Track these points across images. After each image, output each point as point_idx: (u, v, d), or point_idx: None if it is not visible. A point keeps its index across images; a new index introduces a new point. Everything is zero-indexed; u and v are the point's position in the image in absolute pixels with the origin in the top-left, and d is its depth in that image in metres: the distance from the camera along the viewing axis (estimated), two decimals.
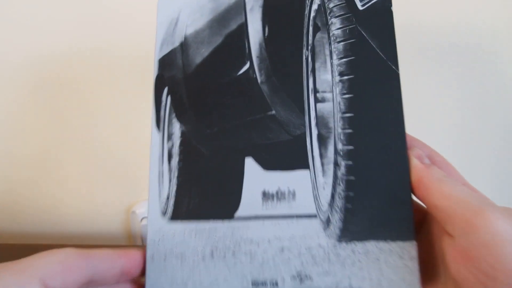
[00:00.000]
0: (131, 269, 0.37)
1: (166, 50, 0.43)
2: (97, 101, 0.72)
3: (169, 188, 0.41)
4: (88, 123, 0.72)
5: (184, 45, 0.42)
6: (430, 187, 0.33)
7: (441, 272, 0.34)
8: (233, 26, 0.41)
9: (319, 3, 0.39)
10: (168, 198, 0.41)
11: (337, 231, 0.35)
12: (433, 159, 0.37)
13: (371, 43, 0.37)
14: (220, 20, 0.42)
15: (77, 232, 0.79)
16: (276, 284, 0.36)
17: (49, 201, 0.77)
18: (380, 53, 0.37)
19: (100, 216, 0.77)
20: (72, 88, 0.72)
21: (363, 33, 0.38)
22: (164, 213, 0.40)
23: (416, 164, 0.35)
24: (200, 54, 0.42)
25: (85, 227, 0.78)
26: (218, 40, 0.42)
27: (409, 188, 0.34)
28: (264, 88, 0.40)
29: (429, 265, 0.35)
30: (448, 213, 0.31)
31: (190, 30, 0.42)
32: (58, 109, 0.72)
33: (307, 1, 0.40)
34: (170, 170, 0.41)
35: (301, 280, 0.35)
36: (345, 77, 0.37)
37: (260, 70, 0.40)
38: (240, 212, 0.38)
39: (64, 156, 0.74)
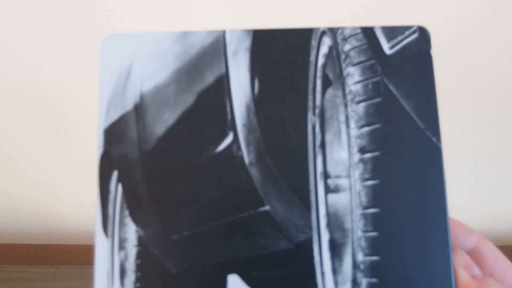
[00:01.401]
0: None
1: (114, 116, 0.32)
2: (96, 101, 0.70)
3: None
4: (88, 122, 0.72)
5: (139, 109, 0.32)
6: None
7: None
8: (209, 79, 0.32)
9: (330, 44, 0.30)
10: None
11: None
12: (480, 254, 0.31)
13: (403, 103, 0.30)
14: (190, 70, 0.32)
15: (77, 232, 0.81)
16: None
17: (49, 200, 0.79)
18: (416, 119, 0.30)
19: None
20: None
21: (392, 89, 0.30)
22: None
23: (464, 280, 0.29)
24: (162, 122, 0.32)
25: (85, 226, 0.79)
26: (188, 100, 0.32)
27: None
28: (254, 172, 0.31)
29: None
30: None
31: (148, 86, 0.31)
32: (58, 108, 0.73)
33: (313, 42, 0.30)
34: None
35: None
36: (368, 155, 0.30)
37: (248, 145, 0.31)
38: None
39: (64, 156, 0.76)
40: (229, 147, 0.31)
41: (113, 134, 0.32)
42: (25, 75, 0.71)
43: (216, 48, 0.32)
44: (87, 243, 0.77)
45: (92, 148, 0.75)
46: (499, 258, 0.32)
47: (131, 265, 0.31)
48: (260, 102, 0.31)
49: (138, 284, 0.31)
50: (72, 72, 0.70)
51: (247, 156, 0.31)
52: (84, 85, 0.69)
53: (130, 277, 0.31)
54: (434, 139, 0.30)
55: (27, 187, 0.78)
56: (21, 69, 0.70)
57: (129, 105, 0.32)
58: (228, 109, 0.31)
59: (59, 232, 0.81)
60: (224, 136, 0.31)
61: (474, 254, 0.31)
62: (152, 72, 0.32)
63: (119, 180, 0.32)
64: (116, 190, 0.32)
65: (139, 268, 0.31)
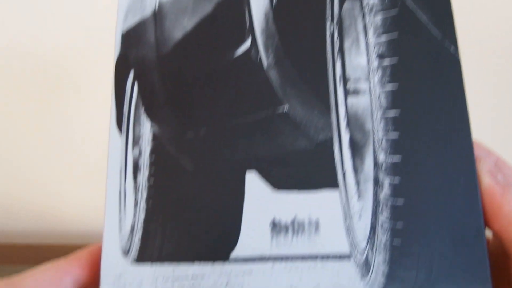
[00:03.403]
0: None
1: (132, 21, 0.33)
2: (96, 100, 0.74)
3: (134, 215, 0.31)
4: (89, 122, 0.74)
5: (158, 15, 0.34)
6: None
7: None
8: None
9: None
10: (132, 230, 0.31)
11: (381, 279, 0.29)
12: (503, 173, 0.31)
13: (420, 15, 0.32)
14: None
15: (77, 231, 0.81)
16: None
17: (49, 200, 0.79)
18: (433, 30, 0.31)
19: (100, 215, 0.78)
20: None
21: (409, 1, 0.32)
22: (126, 252, 0.31)
23: (489, 185, 0.29)
24: (181, 27, 0.33)
25: (85, 226, 0.80)
26: (207, 8, 0.33)
27: (482, 218, 0.29)
28: (273, 74, 0.32)
29: None
30: None
31: None
32: (57, 107, 0.75)
33: None
34: (136, 188, 0.31)
35: None
36: (387, 61, 0.31)
37: (266, 50, 0.32)
38: (238, 251, 0.30)
39: (65, 155, 0.77)
40: (247, 51, 0.32)
41: (131, 38, 0.33)
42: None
43: None
44: (87, 243, 0.78)
45: (92, 149, 0.77)
46: None
47: (145, 161, 0.31)
48: (278, 11, 0.32)
49: (151, 181, 0.31)
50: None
51: (265, 60, 0.32)
52: (87, 82, 0.74)
53: (144, 173, 0.31)
54: (452, 49, 0.31)
55: (26, 186, 0.79)
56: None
57: (147, 12, 0.33)
58: (247, 16, 0.33)
59: (59, 232, 0.82)
60: (243, 40, 0.32)
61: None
62: None
63: (135, 79, 0.32)
64: (132, 89, 0.32)
65: (153, 164, 0.31)
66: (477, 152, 0.31)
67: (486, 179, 0.29)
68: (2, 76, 0.76)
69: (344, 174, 0.30)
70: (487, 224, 0.29)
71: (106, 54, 0.69)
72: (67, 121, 0.77)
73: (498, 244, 0.30)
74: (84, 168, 0.78)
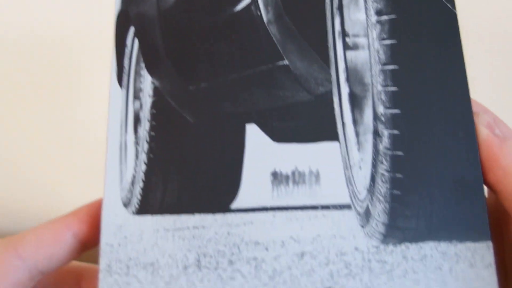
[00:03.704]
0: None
1: None
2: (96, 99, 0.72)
3: (135, 167, 0.32)
4: (88, 121, 0.73)
5: None
6: (511, 170, 0.28)
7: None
8: None
9: None
10: (133, 182, 0.32)
11: (381, 229, 0.29)
12: (500, 128, 0.31)
13: None
14: None
15: None
16: None
17: (49, 199, 0.77)
18: None
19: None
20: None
21: None
22: (127, 203, 0.31)
23: (486, 137, 0.30)
24: None
25: None
26: None
27: (480, 169, 0.29)
28: (273, 30, 0.32)
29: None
30: None
31: None
32: (57, 106, 0.74)
33: None
34: (137, 141, 0.31)
35: None
36: (385, 17, 0.31)
37: (266, 5, 0.32)
38: (239, 202, 0.31)
39: (64, 154, 0.75)
40: (247, 6, 0.32)
41: None
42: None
43: None
44: None
45: (94, 148, 0.77)
46: None
47: (146, 114, 0.32)
48: None
49: (152, 133, 0.31)
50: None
51: (265, 15, 0.32)
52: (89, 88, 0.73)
53: (145, 126, 0.32)
54: (449, 4, 0.31)
55: (26, 186, 0.77)
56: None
57: None
58: None
59: None
60: None
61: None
62: None
63: (136, 35, 0.33)
64: (133, 44, 0.33)
65: (154, 117, 0.32)
66: (475, 108, 0.31)
67: (484, 131, 0.29)
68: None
69: (343, 126, 0.31)
70: (483, 178, 0.29)
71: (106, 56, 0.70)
72: (67, 120, 0.76)
73: (494, 200, 0.31)
74: (85, 169, 0.77)
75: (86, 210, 0.31)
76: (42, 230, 0.31)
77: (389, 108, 0.30)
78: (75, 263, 0.34)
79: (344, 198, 0.30)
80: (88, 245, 0.31)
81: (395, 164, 0.29)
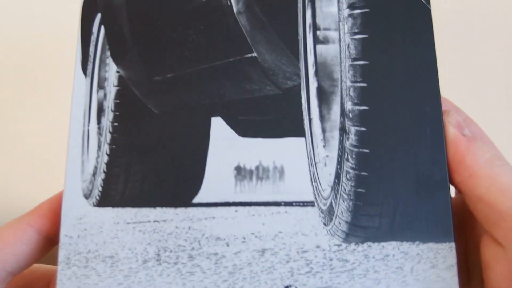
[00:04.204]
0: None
1: None
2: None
3: (97, 158, 0.32)
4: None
5: None
6: (476, 171, 0.28)
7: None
8: None
9: None
10: (94, 173, 0.32)
11: (344, 227, 0.29)
12: (470, 129, 0.31)
13: None
14: None
15: None
16: None
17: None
18: None
19: None
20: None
21: None
22: (88, 195, 0.31)
23: (454, 136, 0.29)
24: None
25: None
26: None
27: (446, 169, 0.29)
28: (242, 20, 0.32)
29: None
30: (501, 213, 0.27)
31: None
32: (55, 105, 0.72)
33: None
34: (99, 132, 0.31)
35: None
36: (357, 11, 0.31)
37: None
38: (201, 196, 0.30)
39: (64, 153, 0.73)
40: None
41: None
42: None
43: None
44: None
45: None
46: (489, 141, 0.32)
47: (109, 104, 0.31)
48: None
49: (115, 123, 0.31)
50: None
51: (235, 5, 0.32)
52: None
53: (108, 116, 0.31)
54: (423, 0, 0.31)
55: (26, 185, 0.76)
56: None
57: None
58: None
59: None
60: None
61: None
62: None
63: (102, 22, 0.32)
64: (99, 32, 0.32)
65: (118, 107, 0.31)
66: (445, 106, 0.31)
67: (452, 130, 0.29)
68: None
69: (310, 122, 0.31)
70: (450, 178, 0.29)
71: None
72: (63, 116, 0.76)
73: (460, 200, 0.31)
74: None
75: (48, 205, 0.31)
76: (3, 230, 0.30)
77: (357, 104, 0.30)
78: (45, 266, 0.34)
79: (308, 195, 0.30)
80: (55, 240, 0.31)
81: (361, 161, 0.29)
